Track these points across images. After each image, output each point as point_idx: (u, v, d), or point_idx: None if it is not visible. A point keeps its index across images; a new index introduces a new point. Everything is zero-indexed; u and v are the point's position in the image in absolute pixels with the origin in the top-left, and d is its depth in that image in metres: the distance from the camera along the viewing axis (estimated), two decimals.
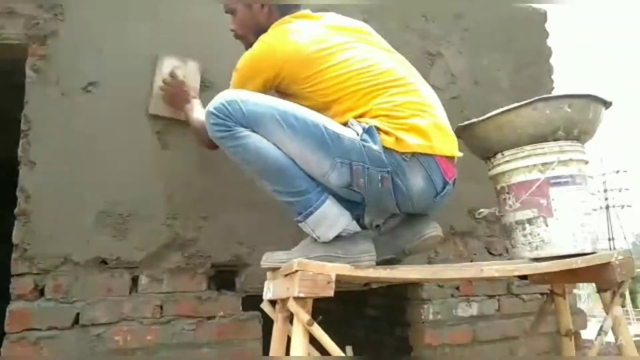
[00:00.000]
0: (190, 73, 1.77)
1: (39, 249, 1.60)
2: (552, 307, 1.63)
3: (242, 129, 1.22)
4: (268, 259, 1.35)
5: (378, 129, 1.23)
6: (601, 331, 1.42)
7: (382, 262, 1.36)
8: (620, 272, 1.40)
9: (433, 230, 1.38)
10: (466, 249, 2.23)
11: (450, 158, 1.32)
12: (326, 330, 1.15)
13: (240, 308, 1.83)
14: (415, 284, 2.14)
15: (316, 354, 1.27)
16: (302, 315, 1.12)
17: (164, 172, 1.79)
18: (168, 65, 1.77)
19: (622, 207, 33.61)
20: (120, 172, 1.74)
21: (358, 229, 1.30)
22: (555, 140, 1.41)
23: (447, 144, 1.30)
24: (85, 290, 1.66)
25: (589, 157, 1.48)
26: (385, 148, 1.21)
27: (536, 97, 1.39)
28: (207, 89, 1.83)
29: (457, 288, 2.20)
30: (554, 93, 2.46)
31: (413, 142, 1.22)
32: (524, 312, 2.25)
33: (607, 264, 1.40)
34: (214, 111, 1.24)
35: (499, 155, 1.50)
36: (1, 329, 1.58)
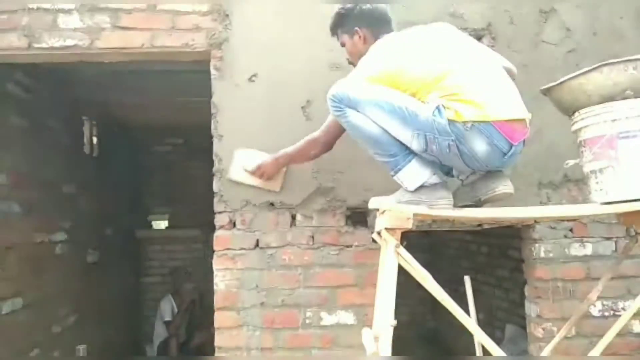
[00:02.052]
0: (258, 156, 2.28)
1: (229, 195, 2.34)
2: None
3: (349, 109, 1.70)
4: (372, 203, 1.83)
5: (444, 106, 1.57)
6: None
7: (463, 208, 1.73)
8: None
9: (504, 187, 1.68)
10: (580, 194, 2.38)
11: (515, 121, 1.59)
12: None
13: (371, 240, 2.36)
14: (528, 226, 2.40)
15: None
16: (391, 240, 1.60)
17: None
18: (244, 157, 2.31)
19: None
20: (276, 137, 2.33)
21: (438, 180, 1.69)
22: (624, 99, 1.57)
23: (506, 109, 1.57)
24: (262, 223, 2.37)
25: None
26: (449, 120, 1.56)
27: (601, 63, 1.56)
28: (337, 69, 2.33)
29: (571, 230, 2.39)
30: None
31: (469, 113, 1.54)
32: None
33: None
34: (332, 97, 1.73)
35: (576, 114, 1.70)
36: None
